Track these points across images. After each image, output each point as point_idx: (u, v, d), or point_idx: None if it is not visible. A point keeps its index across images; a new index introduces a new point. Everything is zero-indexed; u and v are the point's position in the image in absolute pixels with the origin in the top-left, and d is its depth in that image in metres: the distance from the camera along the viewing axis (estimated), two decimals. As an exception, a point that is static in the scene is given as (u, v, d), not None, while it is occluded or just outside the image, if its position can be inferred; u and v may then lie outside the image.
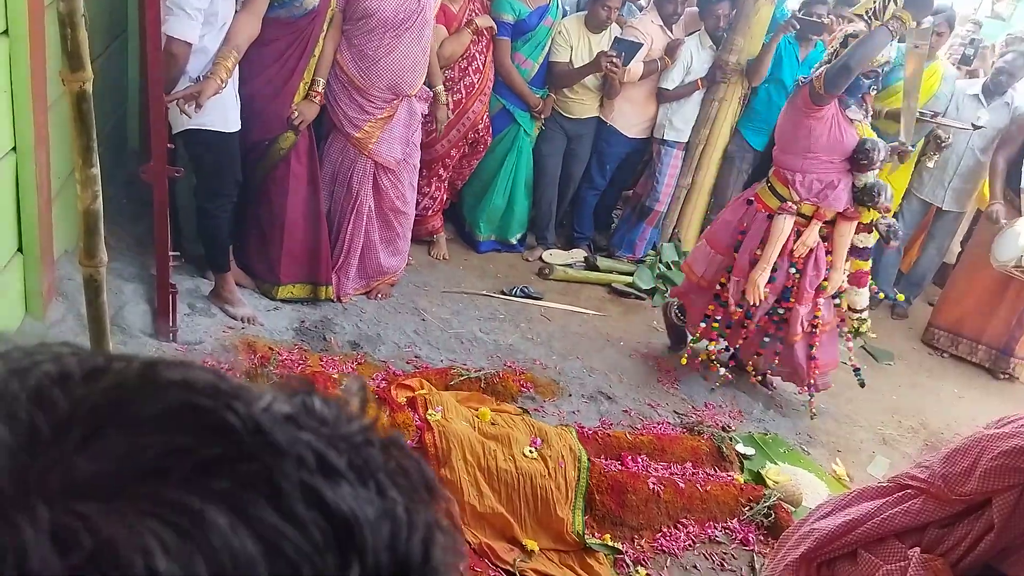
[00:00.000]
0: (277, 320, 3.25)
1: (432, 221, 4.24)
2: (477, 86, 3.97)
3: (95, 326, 1.40)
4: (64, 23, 1.25)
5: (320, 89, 3.20)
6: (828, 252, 3.28)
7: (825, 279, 3.30)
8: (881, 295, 3.80)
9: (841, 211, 3.21)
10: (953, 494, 1.40)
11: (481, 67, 3.95)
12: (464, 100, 3.95)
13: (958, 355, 4.54)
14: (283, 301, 3.36)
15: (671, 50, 4.22)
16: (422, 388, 2.75)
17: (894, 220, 3.41)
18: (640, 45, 4.03)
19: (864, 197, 3.17)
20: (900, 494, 1.56)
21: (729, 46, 4.28)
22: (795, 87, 3.27)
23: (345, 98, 3.32)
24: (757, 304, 3.25)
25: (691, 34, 4.33)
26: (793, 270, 3.26)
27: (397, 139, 3.47)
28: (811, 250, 3.24)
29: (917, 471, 1.57)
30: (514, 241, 4.52)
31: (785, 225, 3.17)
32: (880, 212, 3.26)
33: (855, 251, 3.33)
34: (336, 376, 2.50)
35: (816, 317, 3.34)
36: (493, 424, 2.61)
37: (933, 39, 3.67)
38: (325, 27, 3.11)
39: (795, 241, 3.20)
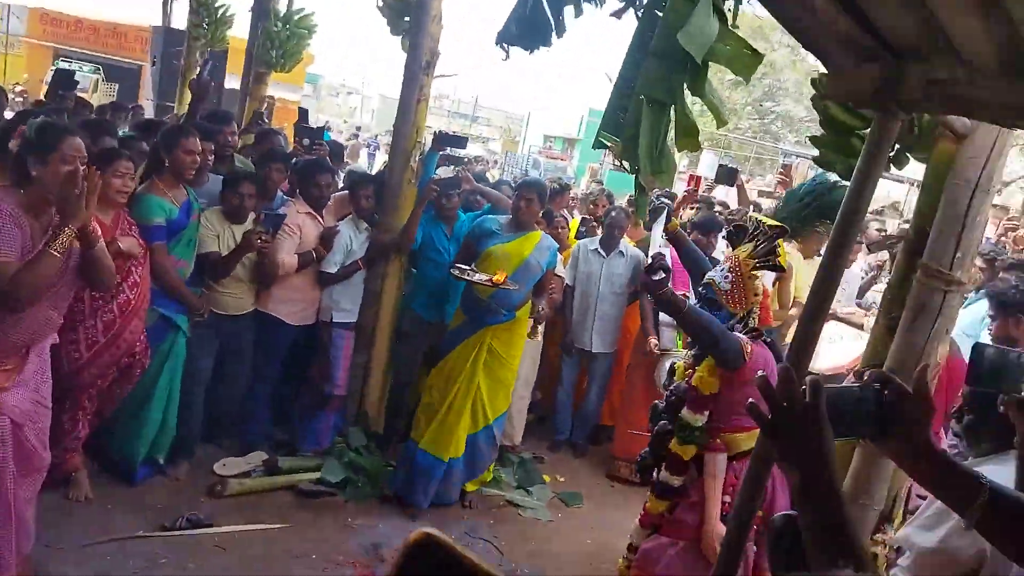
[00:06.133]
0: None
1: (70, 459, 3.57)
2: (134, 303, 3.44)
3: None
4: None
5: None
6: None
7: None
8: None
9: None
10: None
11: (138, 280, 3.46)
12: (118, 318, 3.39)
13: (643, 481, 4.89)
14: None
15: (326, 240, 4.21)
16: None
17: None
18: (283, 216, 3.98)
19: None
20: None
21: (383, 227, 4.41)
22: None
23: None
24: None
25: (343, 218, 4.39)
26: None
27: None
28: None
29: None
30: (162, 460, 3.93)
31: None
32: None
33: None
34: None
35: None
36: None
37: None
38: None
39: None
